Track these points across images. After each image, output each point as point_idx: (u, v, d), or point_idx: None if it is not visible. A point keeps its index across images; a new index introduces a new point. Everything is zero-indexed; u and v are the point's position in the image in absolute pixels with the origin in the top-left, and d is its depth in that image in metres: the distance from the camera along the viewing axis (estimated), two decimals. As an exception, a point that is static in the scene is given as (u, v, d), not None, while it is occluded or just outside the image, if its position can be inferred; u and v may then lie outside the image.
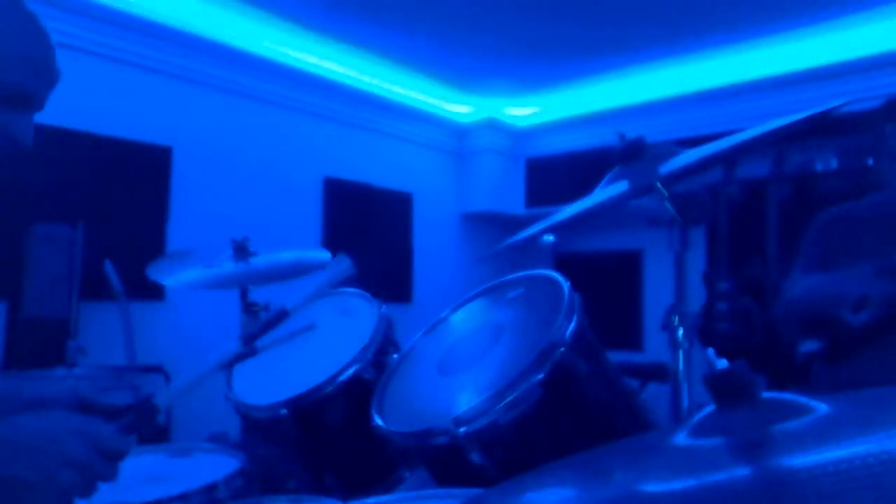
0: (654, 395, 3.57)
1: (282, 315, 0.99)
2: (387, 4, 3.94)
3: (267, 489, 1.37)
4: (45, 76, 0.90)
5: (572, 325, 1.04)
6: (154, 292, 3.62)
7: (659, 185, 1.12)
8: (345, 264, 1.06)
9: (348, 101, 4.97)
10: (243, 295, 1.83)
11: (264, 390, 1.35)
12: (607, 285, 5.49)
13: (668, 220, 1.18)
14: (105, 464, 0.80)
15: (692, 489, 0.50)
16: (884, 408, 0.57)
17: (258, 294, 1.85)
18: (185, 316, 3.81)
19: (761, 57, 4.56)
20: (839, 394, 0.61)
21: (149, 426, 0.88)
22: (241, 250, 1.81)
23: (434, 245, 5.63)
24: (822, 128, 3.87)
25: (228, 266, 1.77)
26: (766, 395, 0.59)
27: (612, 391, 1.14)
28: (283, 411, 1.27)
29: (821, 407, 0.56)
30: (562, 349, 1.01)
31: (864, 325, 1.56)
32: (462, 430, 0.98)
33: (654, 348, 5.12)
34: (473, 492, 0.90)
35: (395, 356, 1.34)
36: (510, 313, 1.23)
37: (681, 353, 1.16)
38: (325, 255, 1.92)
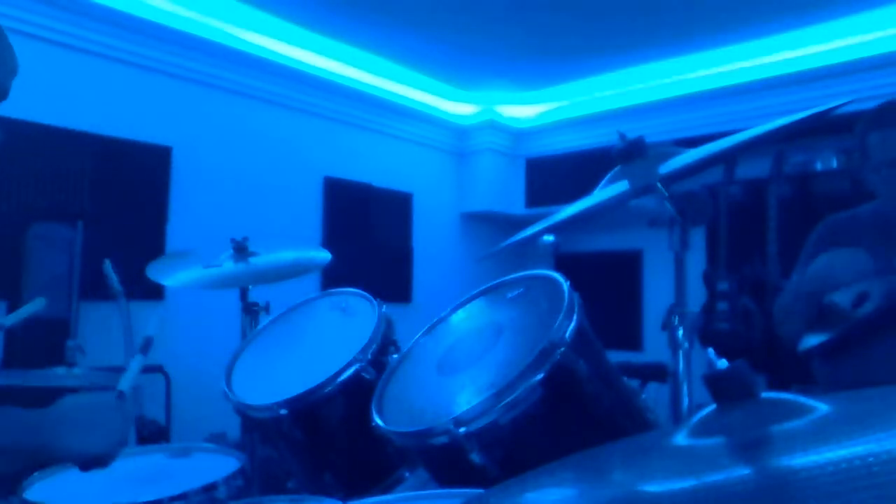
0: (654, 395, 3.57)
1: None
2: (387, 4, 3.94)
3: (267, 489, 1.37)
4: (10, 68, 0.95)
5: (572, 324, 1.04)
6: (154, 292, 3.62)
7: (659, 185, 1.11)
8: None
9: (348, 101, 4.97)
10: (243, 295, 1.83)
11: (264, 390, 1.34)
12: (607, 285, 5.49)
13: (668, 220, 1.18)
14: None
15: (692, 489, 0.50)
16: (884, 408, 0.57)
17: (258, 294, 1.85)
18: (185, 316, 3.81)
19: (761, 57, 4.56)
20: (839, 393, 0.61)
21: None
22: (241, 250, 1.81)
23: (434, 245, 5.63)
24: (822, 128, 3.87)
25: (228, 266, 1.77)
26: (766, 395, 0.59)
27: (612, 391, 1.14)
28: (283, 411, 1.26)
29: (820, 407, 0.56)
30: (562, 349, 1.01)
31: (865, 316, 1.58)
32: (462, 430, 0.98)
33: (654, 348, 5.11)
34: (473, 492, 0.90)
35: (395, 356, 1.34)
36: (510, 313, 1.23)
37: (681, 353, 1.16)
38: (325, 254, 1.92)
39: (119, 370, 1.10)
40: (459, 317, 1.33)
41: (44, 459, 0.90)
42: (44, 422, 0.88)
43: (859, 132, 1.74)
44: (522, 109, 5.77)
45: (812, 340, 1.75)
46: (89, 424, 0.91)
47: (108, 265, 3.11)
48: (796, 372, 1.94)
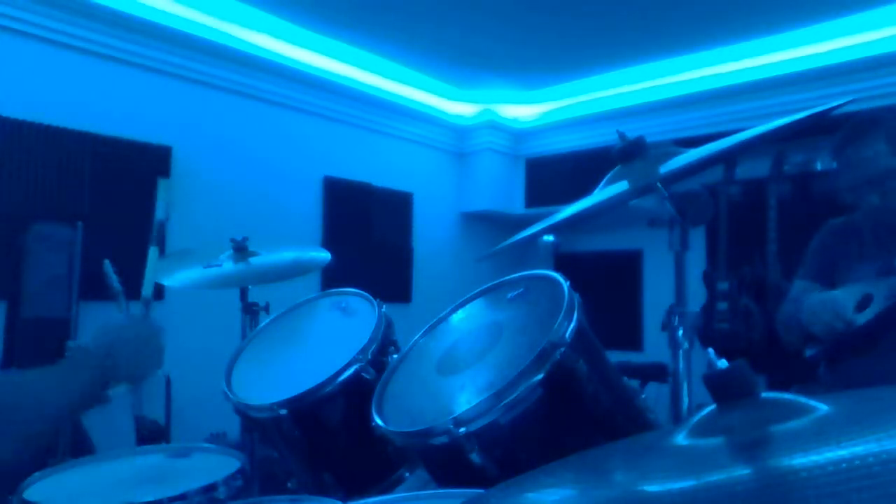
0: (654, 395, 3.57)
1: None
2: (387, 4, 3.94)
3: (267, 489, 1.37)
4: None
5: (572, 324, 1.04)
6: (154, 292, 3.62)
7: (659, 185, 1.12)
8: None
9: (348, 101, 4.96)
10: (243, 295, 1.83)
11: (264, 390, 1.34)
12: (607, 285, 5.49)
13: (668, 220, 1.18)
14: None
15: (692, 489, 0.50)
16: (884, 408, 0.57)
17: (258, 294, 1.85)
18: (185, 316, 3.81)
19: (761, 57, 4.55)
20: (839, 393, 0.61)
21: None
22: (241, 250, 1.81)
23: (434, 245, 5.63)
24: (822, 128, 3.87)
25: (228, 266, 1.78)
26: (766, 395, 0.59)
27: (612, 391, 1.14)
28: (283, 411, 1.26)
29: (820, 407, 0.56)
30: (562, 349, 1.01)
31: (868, 323, 1.59)
32: (462, 430, 0.98)
33: (654, 348, 5.11)
34: (473, 492, 0.90)
35: (395, 356, 1.34)
36: (510, 313, 1.23)
37: (681, 353, 1.16)
38: (325, 254, 1.92)
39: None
40: (459, 317, 1.34)
41: (105, 380, 1.06)
42: (98, 349, 1.07)
43: (831, 156, 1.77)
44: (522, 109, 5.77)
45: (817, 347, 1.77)
46: (139, 349, 1.11)
47: (108, 265, 3.11)
48: (796, 372, 1.95)
